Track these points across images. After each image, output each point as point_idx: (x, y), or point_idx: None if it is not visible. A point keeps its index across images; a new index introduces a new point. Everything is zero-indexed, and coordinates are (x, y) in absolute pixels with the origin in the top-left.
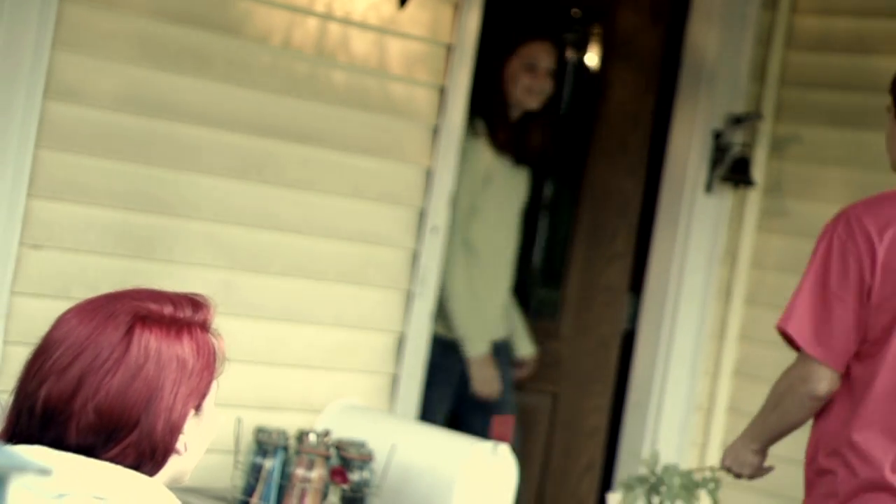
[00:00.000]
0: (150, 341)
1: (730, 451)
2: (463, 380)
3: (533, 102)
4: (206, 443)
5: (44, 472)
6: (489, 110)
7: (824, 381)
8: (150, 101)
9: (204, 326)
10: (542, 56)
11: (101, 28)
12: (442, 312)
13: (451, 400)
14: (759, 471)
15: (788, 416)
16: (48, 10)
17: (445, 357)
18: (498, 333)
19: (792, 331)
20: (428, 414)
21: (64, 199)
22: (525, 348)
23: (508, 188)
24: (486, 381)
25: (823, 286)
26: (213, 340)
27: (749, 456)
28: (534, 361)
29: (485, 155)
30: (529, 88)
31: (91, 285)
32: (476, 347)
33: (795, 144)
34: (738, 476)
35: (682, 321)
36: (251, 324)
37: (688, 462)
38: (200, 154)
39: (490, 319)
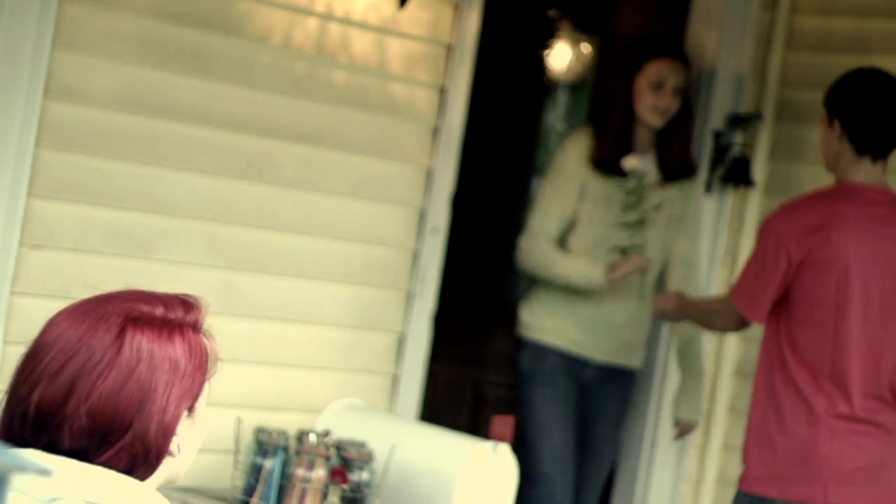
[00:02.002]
0: (141, 343)
1: (664, 302)
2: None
3: (656, 121)
4: (199, 444)
5: (44, 472)
6: (607, 126)
7: (735, 323)
8: (149, 100)
9: (195, 327)
10: (668, 74)
11: (101, 28)
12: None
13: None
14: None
15: (705, 326)
16: (48, 10)
17: (566, 372)
18: (601, 356)
19: (733, 290)
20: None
21: (64, 198)
22: (685, 412)
23: (618, 207)
24: None
25: (758, 266)
26: (205, 341)
27: (675, 316)
28: (690, 427)
29: (583, 166)
30: (654, 107)
31: (91, 285)
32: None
33: (795, 144)
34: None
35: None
36: (251, 324)
37: (688, 463)
38: (200, 154)
39: (563, 329)
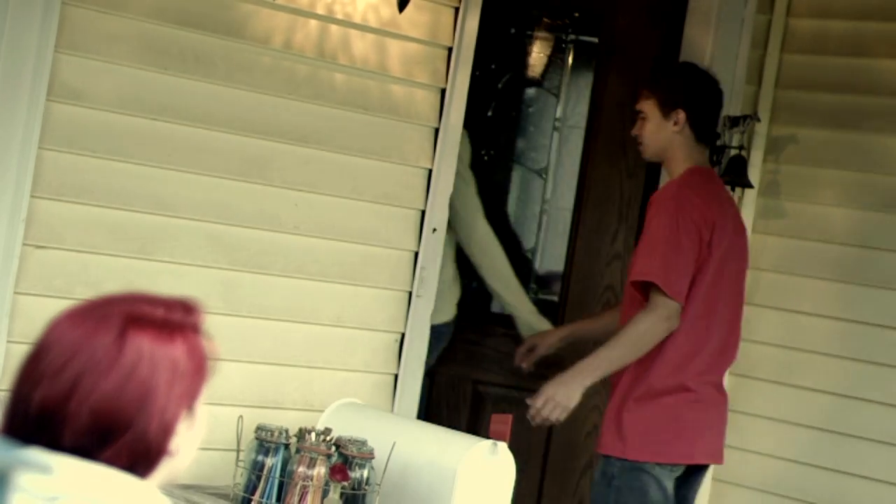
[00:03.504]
0: (143, 343)
1: (560, 387)
2: None
3: None
4: (197, 444)
5: (46, 469)
6: None
7: (677, 318)
8: (151, 101)
9: (196, 329)
10: None
11: (104, 30)
12: None
13: None
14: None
15: (638, 352)
16: (51, 12)
17: None
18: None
19: (658, 280)
20: None
21: (67, 198)
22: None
23: None
24: None
25: (671, 246)
26: (205, 343)
27: (577, 394)
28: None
29: None
30: None
31: (93, 284)
32: None
33: (791, 146)
34: (550, 419)
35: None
36: (252, 323)
37: None
38: (202, 154)
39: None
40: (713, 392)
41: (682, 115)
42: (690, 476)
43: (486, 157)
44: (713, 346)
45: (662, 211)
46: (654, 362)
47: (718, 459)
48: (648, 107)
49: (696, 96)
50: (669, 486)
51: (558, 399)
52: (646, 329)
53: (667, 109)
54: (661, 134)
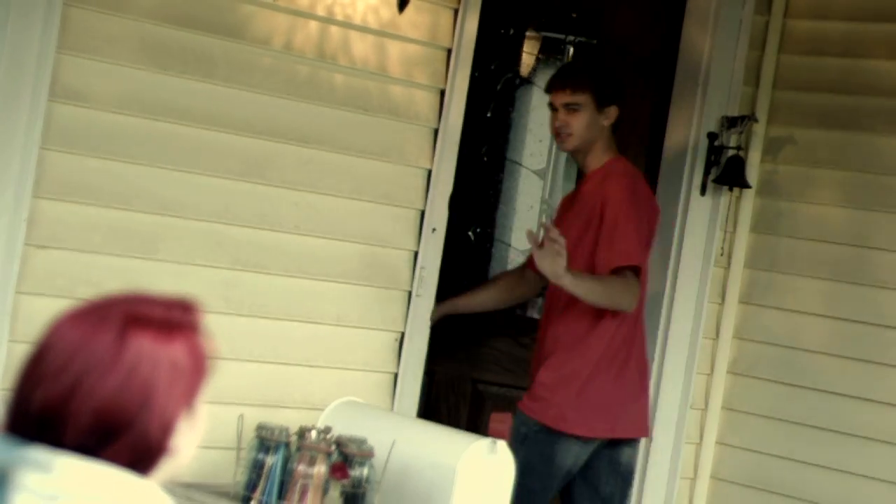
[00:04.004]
0: (143, 343)
1: (566, 273)
2: None
3: None
4: (197, 442)
5: (46, 468)
6: None
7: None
8: (152, 102)
9: (195, 328)
10: None
11: (105, 31)
12: None
13: None
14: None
15: (606, 301)
16: (53, 13)
17: None
18: None
19: (641, 263)
20: None
21: (68, 199)
22: None
23: None
24: None
25: (641, 231)
26: (205, 342)
27: (566, 276)
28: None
29: None
30: None
31: (95, 284)
32: None
33: (789, 146)
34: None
35: (677, 321)
36: (253, 323)
37: (684, 460)
38: (203, 155)
39: None
40: (639, 368)
41: (614, 111)
42: (619, 445)
43: (485, 158)
44: (635, 325)
45: (625, 198)
46: (587, 337)
47: (643, 433)
48: (584, 99)
49: (624, 93)
50: (582, 455)
51: (558, 261)
52: (622, 290)
53: (602, 104)
54: (594, 127)
